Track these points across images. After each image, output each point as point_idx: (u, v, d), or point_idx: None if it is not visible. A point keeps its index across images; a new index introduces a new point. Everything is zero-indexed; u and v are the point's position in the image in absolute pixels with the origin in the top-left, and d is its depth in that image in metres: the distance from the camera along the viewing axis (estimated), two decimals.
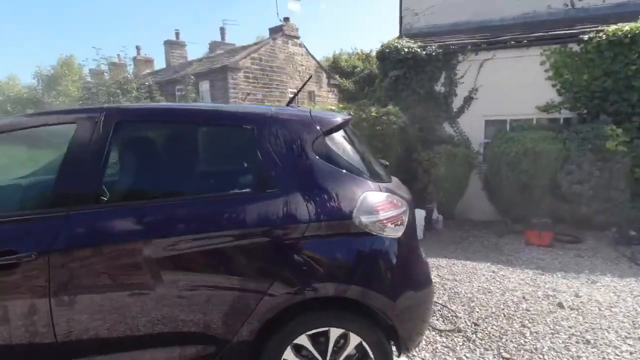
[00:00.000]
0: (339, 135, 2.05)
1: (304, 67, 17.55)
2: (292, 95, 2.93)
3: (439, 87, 6.35)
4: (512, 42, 5.81)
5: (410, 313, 1.90)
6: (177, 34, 23.21)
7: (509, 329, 2.78)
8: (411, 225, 2.03)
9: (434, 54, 6.14)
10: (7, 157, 2.08)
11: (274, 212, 1.76)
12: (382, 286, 1.81)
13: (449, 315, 3.00)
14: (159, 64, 24.41)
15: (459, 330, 2.78)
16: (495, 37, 6.17)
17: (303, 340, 1.83)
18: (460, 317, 2.97)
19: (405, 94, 6.34)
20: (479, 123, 6.27)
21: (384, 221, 1.82)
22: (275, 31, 16.51)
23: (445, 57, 6.18)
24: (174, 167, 2.03)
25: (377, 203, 1.84)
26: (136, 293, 1.74)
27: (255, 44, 16.15)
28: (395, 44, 6.33)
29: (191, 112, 2.05)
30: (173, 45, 22.70)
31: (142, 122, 2.00)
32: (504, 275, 3.80)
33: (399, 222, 1.88)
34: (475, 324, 2.86)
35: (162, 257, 1.74)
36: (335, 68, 19.60)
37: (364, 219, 1.77)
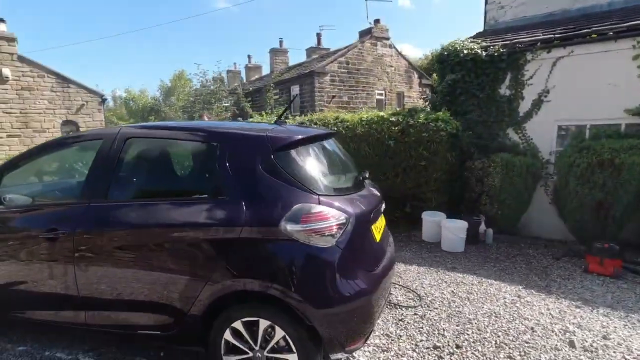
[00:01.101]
0: (292, 152, 2.31)
1: (393, 68, 17.40)
2: (284, 110, 3.23)
3: (503, 90, 5.80)
4: (594, 36, 4.98)
5: (334, 320, 2.07)
6: (280, 42, 25.23)
7: (492, 357, 2.62)
8: (352, 238, 2.17)
9: (496, 54, 5.64)
10: (67, 160, 2.92)
11: (220, 215, 2.16)
12: (302, 289, 2.03)
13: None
14: (266, 69, 26.85)
15: (436, 347, 2.74)
16: (572, 30, 5.34)
17: (239, 325, 2.18)
18: (446, 337, 2.89)
19: (463, 98, 5.97)
20: (550, 129, 5.53)
21: (309, 231, 2.03)
22: (364, 34, 16.76)
23: (511, 57, 5.61)
24: (159, 174, 2.59)
25: (306, 214, 2.06)
26: (125, 268, 2.33)
27: (346, 47, 16.63)
28: (455, 45, 6.01)
29: (174, 130, 2.57)
30: (277, 53, 24.75)
31: (142, 138, 2.60)
32: (528, 302, 3.45)
33: (326, 233, 2.06)
34: (458, 346, 2.76)
35: (142, 243, 2.29)
36: (434, 66, 18.90)
37: (289, 227, 2.03)
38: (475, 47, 5.82)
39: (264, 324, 2.13)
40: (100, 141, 2.59)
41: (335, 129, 6.26)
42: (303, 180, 2.20)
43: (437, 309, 3.35)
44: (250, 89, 21.66)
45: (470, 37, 6.84)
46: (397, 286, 3.85)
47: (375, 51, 16.71)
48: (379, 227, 2.68)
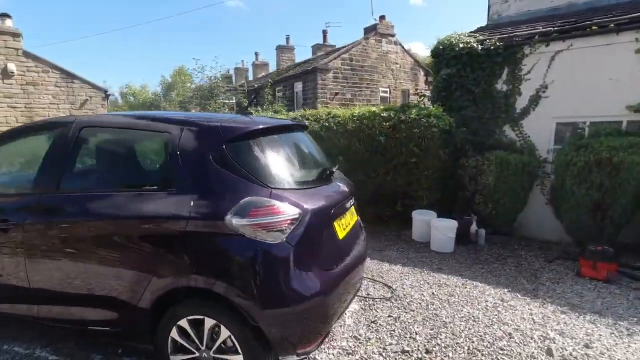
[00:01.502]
0: (247, 143, 2.19)
1: (398, 65, 17.15)
2: (249, 103, 3.10)
3: (500, 85, 5.58)
4: (595, 28, 4.73)
5: (281, 321, 1.95)
6: (287, 39, 25.21)
7: None
8: (307, 234, 2.04)
9: (492, 48, 5.42)
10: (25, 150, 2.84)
11: (167, 207, 2.05)
12: (246, 288, 1.92)
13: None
14: (274, 67, 26.82)
15: (404, 351, 2.59)
16: (572, 23, 5.10)
17: (185, 323, 2.07)
18: (417, 341, 2.74)
19: (458, 93, 5.77)
20: (548, 126, 5.30)
21: (256, 226, 1.92)
22: (369, 30, 16.55)
23: (507, 51, 5.39)
24: (112, 165, 2.49)
25: (254, 208, 1.94)
26: (74, 261, 2.25)
27: (351, 44, 16.44)
28: (451, 39, 5.81)
29: (129, 119, 2.47)
30: (283, 50, 24.69)
31: (97, 127, 2.51)
32: (511, 306, 3.27)
33: (275, 229, 1.94)
34: (427, 351, 2.61)
35: (89, 235, 2.20)
36: None
37: (235, 222, 1.91)
38: (472, 40, 5.61)
39: (209, 322, 2.02)
40: (56, 130, 2.51)
41: (327, 124, 6.14)
42: (256, 173, 2.09)
43: (413, 311, 3.20)
44: (255, 85, 21.63)
45: (470, 32, 6.62)
46: (376, 284, 3.71)
47: (380, 48, 16.48)
48: (344, 224, 2.54)
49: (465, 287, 3.67)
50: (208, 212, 1.97)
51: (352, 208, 2.88)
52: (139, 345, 2.34)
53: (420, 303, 3.34)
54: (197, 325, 2.06)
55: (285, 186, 2.14)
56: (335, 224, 2.41)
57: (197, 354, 2.09)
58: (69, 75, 13.98)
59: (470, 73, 5.66)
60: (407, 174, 5.49)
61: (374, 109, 5.88)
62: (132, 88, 11.05)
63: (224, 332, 2.00)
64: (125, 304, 2.16)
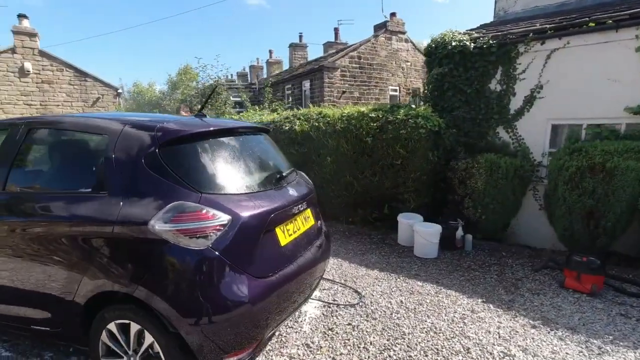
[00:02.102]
0: (183, 146, 2.15)
1: (408, 63, 16.86)
2: (201, 106, 3.03)
3: (494, 85, 5.35)
4: (592, 25, 4.46)
5: (204, 329, 1.90)
6: (300, 37, 25.20)
7: None
8: (237, 241, 1.99)
9: (485, 46, 5.20)
10: None
11: (97, 211, 2.04)
12: (166, 294, 1.88)
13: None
14: (287, 65, 26.90)
15: None
16: (569, 20, 4.83)
17: (113, 327, 2.06)
18: (370, 351, 2.64)
19: (450, 93, 5.58)
20: (543, 128, 5.05)
21: (179, 231, 1.88)
22: (379, 28, 16.33)
23: (501, 49, 5.16)
24: (54, 166, 2.50)
25: (178, 213, 1.90)
26: (13, 260, 2.27)
27: (360, 42, 16.24)
28: (444, 37, 5.61)
29: (66, 122, 2.47)
30: (296, 48, 24.69)
31: (44, 129, 2.53)
32: (480, 318, 3.12)
33: (198, 235, 1.89)
34: None
35: (27, 236, 2.22)
36: None
37: (158, 227, 1.87)
38: (464, 38, 5.40)
39: (135, 328, 2.00)
40: (8, 130, 2.54)
41: (317, 124, 6.07)
42: (188, 177, 2.04)
43: (375, 319, 3.10)
44: (270, 82, 21.70)
45: (470, 29, 6.39)
46: (346, 289, 3.63)
47: (389, 46, 16.23)
48: (292, 229, 2.47)
49: (438, 296, 3.54)
50: (133, 217, 1.94)
51: (308, 212, 2.80)
52: (80, 347, 2.35)
53: (385, 311, 3.23)
54: (125, 329, 2.04)
55: (219, 191, 2.09)
56: (277, 229, 2.34)
57: (124, 359, 2.07)
58: (82, 74, 14.39)
59: (463, 72, 5.45)
60: (394, 176, 5.36)
61: (362, 108, 5.76)
62: (139, 86, 11.29)
63: (148, 338, 1.97)
64: (61, 305, 2.16)
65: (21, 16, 13.52)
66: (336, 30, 22.09)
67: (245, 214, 2.08)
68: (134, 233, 1.94)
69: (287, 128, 6.48)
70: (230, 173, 2.28)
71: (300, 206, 2.61)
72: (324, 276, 3.83)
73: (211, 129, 2.32)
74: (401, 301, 3.43)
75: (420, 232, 4.65)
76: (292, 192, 2.59)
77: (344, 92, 15.23)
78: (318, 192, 6.27)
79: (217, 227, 1.94)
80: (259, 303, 2.03)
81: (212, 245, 1.92)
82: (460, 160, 5.21)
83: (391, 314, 3.19)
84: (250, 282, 2.04)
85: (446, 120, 5.44)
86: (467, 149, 5.45)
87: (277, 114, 7.46)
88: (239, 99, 15.35)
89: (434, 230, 4.64)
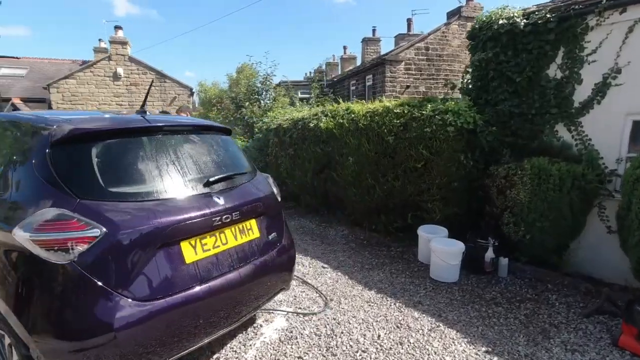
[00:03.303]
0: (76, 146, 1.95)
1: None
2: (145, 98, 2.77)
3: (552, 71, 4.22)
4: None
5: (56, 353, 1.67)
6: (373, 31, 24.49)
7: None
8: (108, 258, 1.74)
9: (540, 22, 4.11)
10: None
11: None
12: (20, 310, 1.70)
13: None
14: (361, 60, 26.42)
15: None
16: None
17: None
18: None
19: (495, 83, 4.58)
20: (619, 125, 3.80)
21: (37, 242, 1.69)
22: (452, 15, 14.89)
23: (563, 24, 4.02)
24: None
25: (43, 221, 1.71)
26: None
27: (428, 32, 15.01)
28: (491, 15, 4.62)
29: None
30: (369, 42, 24.08)
31: None
32: None
33: (58, 248, 1.68)
34: None
35: None
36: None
37: (19, 235, 1.72)
38: (514, 14, 4.36)
39: (7, 340, 1.87)
40: None
41: (341, 121, 5.58)
42: (70, 181, 1.83)
43: (334, 356, 2.58)
44: (335, 79, 21.50)
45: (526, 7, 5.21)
46: (321, 317, 3.15)
47: (463, 34, 14.60)
48: (209, 244, 2.13)
49: (430, 335, 2.84)
50: (5, 222, 1.81)
51: (249, 224, 2.43)
52: None
53: (350, 347, 2.68)
54: (1, 341, 1.93)
55: (105, 198, 1.84)
56: (184, 244, 2.02)
57: None
58: (162, 76, 15.92)
59: (512, 57, 4.42)
60: (417, 181, 4.61)
61: (388, 103, 5.09)
62: (203, 85, 12.08)
63: (15, 353, 1.82)
64: None
65: (117, 27, 15.45)
66: (409, 21, 20.88)
67: (129, 225, 1.80)
68: (3, 239, 1.80)
69: (312, 125, 6.11)
70: (127, 178, 2.01)
71: (230, 216, 2.24)
72: (320, 292, 3.42)
73: (114, 127, 2.08)
74: (379, 336, 2.83)
75: (436, 250, 3.89)
76: (220, 200, 2.23)
77: (407, 87, 14.20)
78: (340, 195, 5.83)
79: (85, 240, 1.70)
80: (131, 330, 1.73)
81: (77, 260, 1.68)
82: (501, 165, 4.24)
83: (357, 351, 2.63)
84: (124, 305, 1.75)
85: (488, 116, 4.48)
86: (514, 152, 4.42)
87: (307, 110, 7.11)
88: (308, 96, 15.40)
89: (453, 249, 3.83)
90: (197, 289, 2.00)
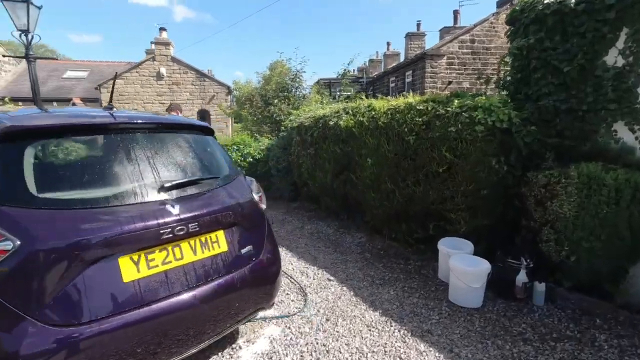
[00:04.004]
0: (6, 145, 1.74)
1: None
2: (111, 94, 2.52)
3: (612, 58, 3.47)
4: None
5: None
6: (418, 25, 23.56)
7: None
8: (17, 275, 1.52)
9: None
10: None
11: None
12: None
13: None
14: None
15: None
16: None
17: None
18: None
19: (538, 75, 3.88)
20: None
21: None
22: (502, 4, 13.72)
23: (625, 0, 3.27)
24: None
25: None
26: None
27: (476, 24, 13.95)
28: None
29: None
30: (412, 37, 23.21)
31: None
32: None
33: None
34: None
35: None
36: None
37: None
38: None
39: None
40: None
41: (361, 119, 5.14)
42: None
43: None
44: (375, 76, 20.88)
45: None
46: (300, 343, 2.77)
47: None
48: (158, 260, 1.86)
49: None
50: None
51: (215, 236, 2.13)
52: None
53: None
54: None
55: (30, 204, 1.62)
56: (123, 260, 1.75)
57: None
58: (201, 75, 16.32)
59: (559, 42, 3.71)
60: (440, 187, 4.06)
61: (411, 99, 4.56)
62: (237, 83, 12.17)
63: None
64: None
65: (161, 29, 16.06)
66: (456, 13, 19.73)
67: (51, 237, 1.56)
68: None
69: (332, 124, 5.71)
70: (66, 182, 1.79)
71: (185, 228, 1.95)
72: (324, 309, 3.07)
73: (59, 124, 1.86)
74: None
75: (456, 269, 3.34)
76: (174, 209, 1.94)
77: (449, 83, 13.28)
78: (359, 198, 5.38)
79: None
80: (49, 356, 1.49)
81: None
82: (542, 172, 3.58)
83: None
84: (36, 331, 1.51)
85: (527, 114, 3.82)
86: (559, 155, 3.73)
87: (330, 107, 6.72)
88: (349, 93, 15.04)
89: (476, 270, 3.26)
90: (135, 312, 1.72)
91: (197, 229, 2.00)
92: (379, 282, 3.80)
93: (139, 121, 2.17)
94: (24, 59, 7.28)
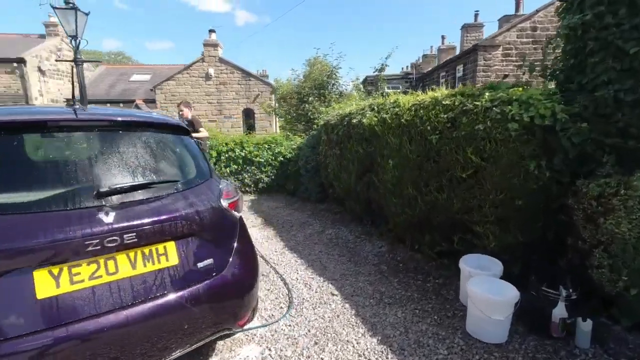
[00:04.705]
0: None
1: None
2: (72, 92, 2.33)
3: None
4: None
5: None
6: (475, 15, 22.09)
7: None
8: None
9: None
10: None
11: None
12: None
13: None
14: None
15: None
16: None
17: None
18: None
19: (595, 59, 3.13)
20: None
21: None
22: None
23: None
24: None
25: None
26: None
27: (537, 10, 12.55)
28: None
29: None
30: (469, 29, 21.85)
31: None
32: None
33: None
34: None
35: None
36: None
37: None
38: None
39: None
40: None
41: (385, 116, 4.68)
42: None
43: None
44: (424, 72, 19.91)
45: None
46: None
47: None
48: (84, 274, 1.66)
49: None
50: None
51: (163, 247, 1.89)
52: None
53: None
54: None
55: None
56: (39, 273, 1.56)
57: None
58: (247, 74, 16.61)
59: (625, 17, 2.94)
60: (465, 195, 3.48)
61: (438, 93, 3.99)
62: (278, 82, 12.11)
63: None
64: None
65: (211, 31, 16.65)
66: (517, 0, 18.05)
67: None
68: None
69: (355, 121, 5.30)
70: (20, 181, 1.64)
71: (118, 239, 1.72)
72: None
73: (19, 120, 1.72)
74: None
75: (475, 296, 2.78)
76: (107, 217, 1.72)
77: (505, 77, 11.98)
78: (382, 203, 4.90)
79: None
80: None
81: None
82: (595, 179, 2.88)
83: None
84: None
85: (579, 107, 3.11)
86: (620, 159, 2.98)
87: (356, 104, 6.28)
88: (398, 90, 14.47)
89: (498, 299, 2.68)
90: (47, 333, 1.52)
91: (136, 240, 1.77)
92: (387, 301, 3.34)
93: (90, 119, 1.99)
94: (97, 65, 7.78)
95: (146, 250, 1.84)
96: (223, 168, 8.34)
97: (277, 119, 17.29)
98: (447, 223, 3.81)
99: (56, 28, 20.23)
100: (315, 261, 4.34)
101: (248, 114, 16.87)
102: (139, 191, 1.91)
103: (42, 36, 19.58)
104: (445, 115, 3.62)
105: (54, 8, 7.18)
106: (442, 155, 3.68)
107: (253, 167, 8.42)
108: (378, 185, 4.88)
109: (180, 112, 6.10)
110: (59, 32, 20.30)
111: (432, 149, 3.78)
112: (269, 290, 3.61)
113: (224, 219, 2.22)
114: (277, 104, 12.42)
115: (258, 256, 4.11)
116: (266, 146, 8.44)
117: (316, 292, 3.55)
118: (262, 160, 8.36)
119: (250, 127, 16.47)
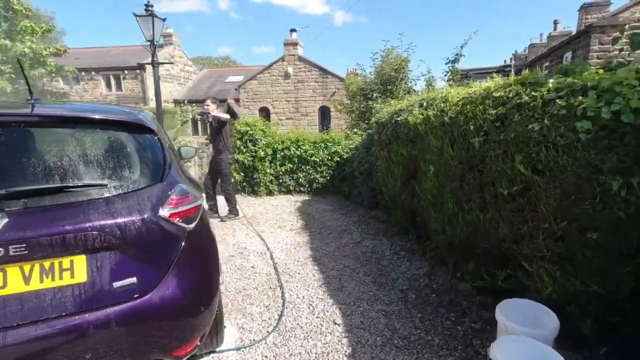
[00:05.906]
0: None
1: None
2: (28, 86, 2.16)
3: None
4: None
5: None
6: None
7: None
8: None
9: None
10: None
11: None
12: None
13: None
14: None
15: None
16: None
17: None
18: None
19: None
20: None
21: None
22: None
23: None
24: None
25: None
26: None
27: None
28: None
29: None
30: (589, 9, 18.55)
31: None
32: None
33: None
34: None
35: None
36: None
37: None
38: None
39: None
40: None
41: (430, 113, 3.92)
42: None
43: None
44: (525, 63, 17.41)
45: None
46: None
47: None
48: None
49: None
50: None
51: (57, 262, 1.65)
52: None
53: None
54: None
55: None
56: None
57: None
58: (324, 72, 16.47)
59: None
60: (514, 218, 2.59)
61: (491, 83, 3.10)
62: (350, 78, 11.60)
63: None
64: None
65: (292, 30, 16.94)
66: None
67: None
68: None
69: (401, 119, 4.59)
70: None
71: (4, 250, 1.52)
72: None
73: None
74: None
75: (501, 356, 1.98)
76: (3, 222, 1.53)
77: (614, 64, 9.54)
78: (424, 216, 4.12)
79: None
80: None
81: None
82: None
83: None
84: None
85: None
86: None
87: (408, 99, 5.48)
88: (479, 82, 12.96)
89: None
90: None
91: (26, 252, 1.55)
92: (397, 343, 2.68)
93: (16, 113, 1.85)
94: (201, 69, 8.47)
95: (46, 263, 1.62)
96: (278, 167, 8.26)
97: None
98: (493, 252, 2.94)
99: (171, 38, 23.01)
100: (334, 278, 3.83)
101: (324, 112, 16.78)
102: (51, 196, 1.70)
103: (160, 46, 22.43)
104: (495, 111, 2.76)
105: (136, 16, 7.90)
106: (486, 163, 2.83)
107: (308, 167, 8.15)
108: (420, 195, 4.12)
109: (206, 107, 6.13)
110: (172, 42, 23.04)
111: (475, 155, 2.95)
112: (266, 307, 3.24)
113: (160, 231, 1.90)
114: (348, 101, 11.98)
115: (252, 268, 3.78)
116: (322, 145, 8.10)
117: (317, 317, 3.06)
118: (318, 159, 8.04)
119: (324, 125, 16.37)
